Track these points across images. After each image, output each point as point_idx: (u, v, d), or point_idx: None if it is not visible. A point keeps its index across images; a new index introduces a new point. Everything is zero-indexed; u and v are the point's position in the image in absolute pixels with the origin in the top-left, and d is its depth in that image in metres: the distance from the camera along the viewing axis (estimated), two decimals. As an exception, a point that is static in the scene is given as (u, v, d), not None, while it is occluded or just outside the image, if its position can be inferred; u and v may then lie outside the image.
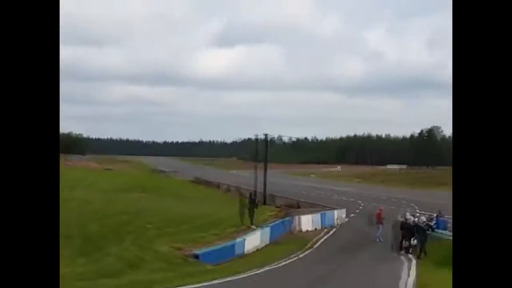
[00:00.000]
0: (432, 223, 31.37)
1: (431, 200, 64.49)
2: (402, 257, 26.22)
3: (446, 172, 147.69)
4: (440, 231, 30.16)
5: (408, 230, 27.90)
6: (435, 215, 32.57)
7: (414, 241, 27.81)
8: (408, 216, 29.95)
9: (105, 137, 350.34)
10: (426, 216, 31.67)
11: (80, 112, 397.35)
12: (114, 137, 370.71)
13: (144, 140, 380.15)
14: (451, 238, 27.29)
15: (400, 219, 30.27)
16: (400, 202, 58.59)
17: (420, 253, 26.26)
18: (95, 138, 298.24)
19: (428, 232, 28.93)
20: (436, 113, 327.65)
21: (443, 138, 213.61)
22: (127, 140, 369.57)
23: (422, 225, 28.05)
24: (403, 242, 27.96)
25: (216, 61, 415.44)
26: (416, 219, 29.25)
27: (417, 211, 48.37)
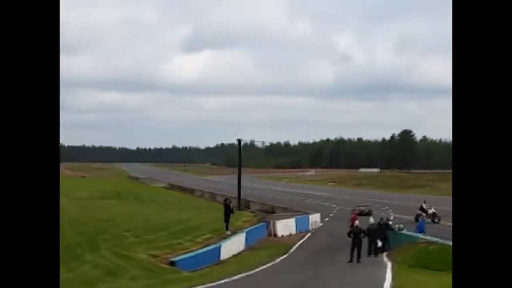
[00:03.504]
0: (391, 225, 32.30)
1: (404, 203, 65.33)
2: (376, 259, 26.66)
3: (418, 175, 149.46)
4: (416, 234, 30.65)
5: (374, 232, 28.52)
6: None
7: (379, 243, 28.40)
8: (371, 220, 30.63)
9: (78, 144, 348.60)
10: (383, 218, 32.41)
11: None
12: (87, 144, 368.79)
13: (117, 147, 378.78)
14: (426, 241, 27.89)
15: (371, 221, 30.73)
16: (374, 206, 59.14)
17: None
18: (68, 146, 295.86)
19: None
20: (406, 116, 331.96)
21: (415, 141, 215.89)
22: (100, 147, 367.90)
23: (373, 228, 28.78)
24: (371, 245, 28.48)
25: (186, 67, 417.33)
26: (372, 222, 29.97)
27: (391, 213, 49.02)
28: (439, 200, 65.28)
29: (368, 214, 46.62)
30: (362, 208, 52.14)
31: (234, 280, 20.23)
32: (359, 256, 26.05)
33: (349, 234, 26.99)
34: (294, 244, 34.56)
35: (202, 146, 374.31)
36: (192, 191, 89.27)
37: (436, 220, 41.51)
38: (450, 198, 7.26)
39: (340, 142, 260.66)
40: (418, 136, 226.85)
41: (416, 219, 38.22)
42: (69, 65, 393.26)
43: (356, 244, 26.32)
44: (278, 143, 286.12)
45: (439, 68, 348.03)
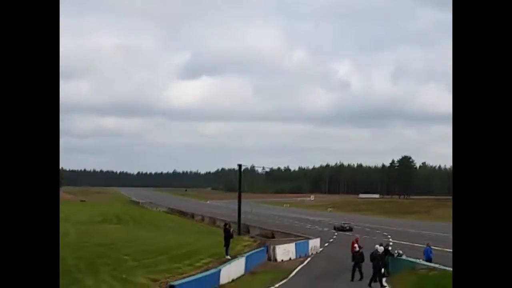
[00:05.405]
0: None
1: (403, 229, 65.29)
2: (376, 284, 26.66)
3: (417, 201, 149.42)
4: (416, 260, 30.65)
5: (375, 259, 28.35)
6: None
7: (382, 270, 28.24)
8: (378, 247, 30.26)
9: (79, 169, 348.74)
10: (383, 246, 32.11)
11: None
12: (88, 168, 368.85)
13: (118, 171, 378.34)
14: (426, 267, 27.92)
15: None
16: (374, 232, 59.11)
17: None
18: (69, 170, 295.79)
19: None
20: (405, 143, 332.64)
21: (414, 167, 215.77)
22: (101, 171, 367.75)
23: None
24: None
25: (184, 93, 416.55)
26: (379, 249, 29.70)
27: (390, 240, 49.03)
28: (433, 226, 65.34)
29: (349, 230, 58.48)
30: (344, 225, 63.42)
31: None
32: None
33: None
34: (294, 269, 34.49)
35: (203, 171, 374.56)
36: (192, 216, 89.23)
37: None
38: (445, 224, 7.31)
39: (340, 167, 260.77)
40: (418, 163, 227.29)
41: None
42: (68, 90, 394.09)
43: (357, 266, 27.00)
44: (278, 169, 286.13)
45: (437, 96, 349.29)
